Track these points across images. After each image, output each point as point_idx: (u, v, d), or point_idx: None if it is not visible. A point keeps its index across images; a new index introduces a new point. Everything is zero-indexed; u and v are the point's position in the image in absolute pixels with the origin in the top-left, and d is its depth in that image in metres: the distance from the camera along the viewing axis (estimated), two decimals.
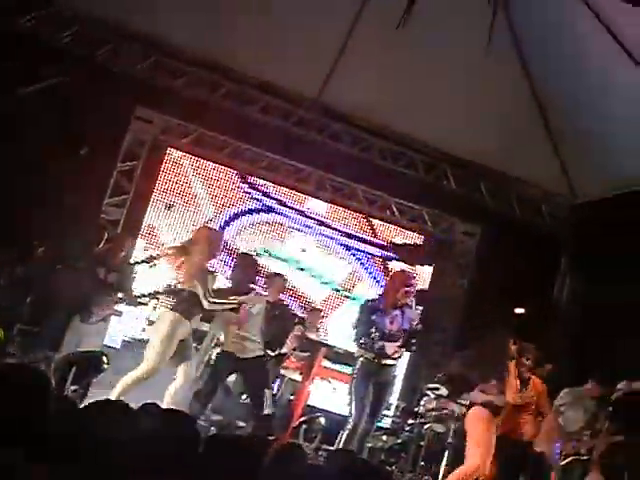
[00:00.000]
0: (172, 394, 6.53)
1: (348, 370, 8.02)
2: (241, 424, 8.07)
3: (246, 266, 7.34)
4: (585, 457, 7.68)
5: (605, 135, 9.52)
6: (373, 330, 6.66)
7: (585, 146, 10.07)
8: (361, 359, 6.70)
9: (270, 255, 10.75)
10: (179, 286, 6.85)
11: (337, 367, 8.83)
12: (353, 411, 6.59)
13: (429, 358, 10.52)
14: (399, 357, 6.85)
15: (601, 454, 7.57)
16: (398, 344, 6.66)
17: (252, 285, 7.28)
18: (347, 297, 10.97)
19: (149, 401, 3.68)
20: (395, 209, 11.36)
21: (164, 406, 5.62)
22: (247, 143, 10.76)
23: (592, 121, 9.53)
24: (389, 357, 6.70)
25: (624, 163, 9.61)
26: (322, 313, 9.79)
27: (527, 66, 9.94)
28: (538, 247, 10.92)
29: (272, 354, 7.94)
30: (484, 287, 10.83)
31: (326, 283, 10.99)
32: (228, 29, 9.34)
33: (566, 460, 7.69)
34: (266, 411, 6.96)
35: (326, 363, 9.11)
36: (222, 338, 7.57)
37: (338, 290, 10.99)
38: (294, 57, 9.68)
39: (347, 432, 6.59)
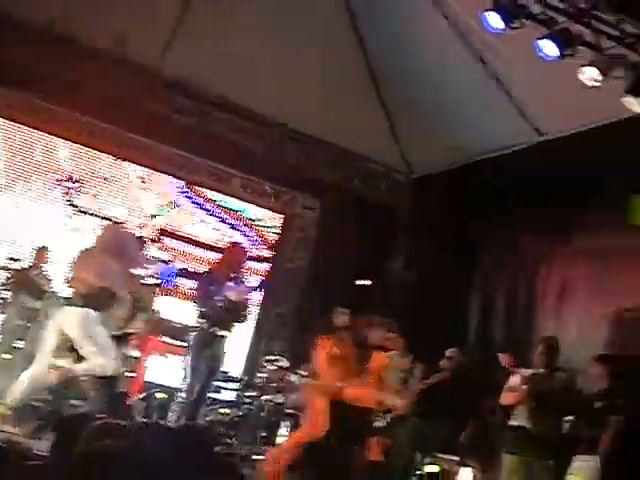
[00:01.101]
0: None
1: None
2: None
3: None
4: (402, 413, 8.02)
5: (441, 113, 9.86)
6: (210, 300, 6.66)
7: (422, 123, 10.38)
8: (196, 330, 6.68)
9: None
10: None
11: (175, 342, 8.72)
12: (185, 383, 6.58)
13: (270, 331, 10.60)
14: (231, 328, 6.87)
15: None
16: (232, 315, 6.70)
17: None
18: None
19: None
20: (239, 182, 11.32)
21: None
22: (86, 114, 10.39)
23: (429, 100, 9.85)
24: (224, 328, 6.71)
25: (458, 139, 10.00)
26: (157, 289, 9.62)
27: (364, 44, 10.17)
28: (377, 221, 11.20)
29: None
30: (325, 260, 10.99)
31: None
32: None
33: (384, 420, 7.98)
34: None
35: (164, 338, 8.99)
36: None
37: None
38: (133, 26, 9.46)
39: (179, 405, 6.57)
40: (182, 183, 11.16)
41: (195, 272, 7.33)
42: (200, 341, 6.69)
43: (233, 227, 11.35)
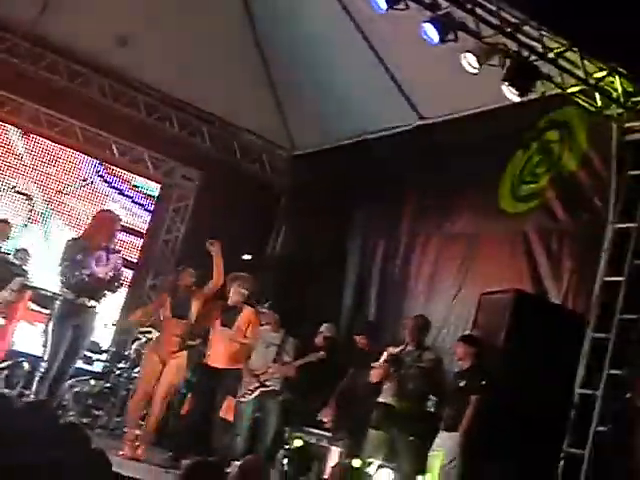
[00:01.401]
0: None
1: None
2: None
3: None
4: (271, 387, 8.06)
5: (327, 93, 9.89)
6: (78, 269, 6.45)
7: (308, 101, 10.39)
8: (61, 299, 6.47)
9: None
10: None
11: (44, 310, 8.43)
12: (47, 353, 6.38)
13: (144, 302, 10.41)
14: (100, 299, 6.69)
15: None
16: (102, 285, 6.53)
17: None
18: None
19: None
20: (115, 149, 11.04)
21: None
22: None
23: (316, 79, 9.86)
24: (92, 298, 6.52)
25: (342, 119, 10.06)
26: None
27: (253, 19, 10.08)
28: (258, 196, 11.16)
29: None
30: (201, 233, 10.85)
31: None
32: None
33: (254, 394, 8.01)
34: None
35: (32, 306, 8.69)
36: None
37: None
38: None
39: (40, 375, 6.37)
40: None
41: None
42: (64, 311, 6.46)
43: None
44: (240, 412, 8.01)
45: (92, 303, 6.59)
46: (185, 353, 7.22)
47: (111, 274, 6.63)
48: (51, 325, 6.50)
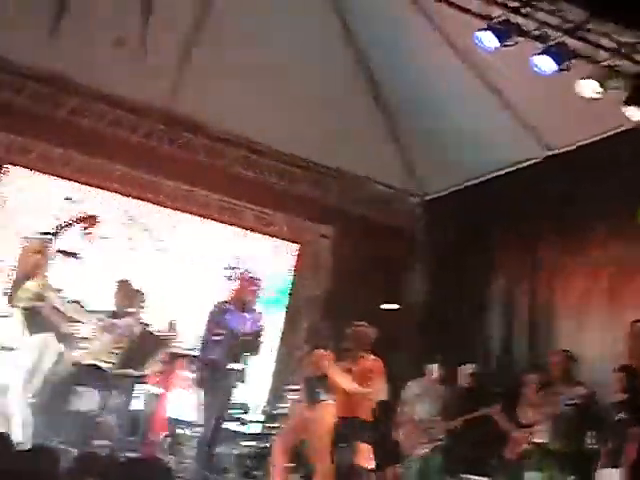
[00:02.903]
0: None
1: None
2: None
3: None
4: (442, 442, 8.02)
5: (444, 132, 9.90)
6: (223, 331, 6.69)
7: (428, 144, 10.43)
8: (207, 363, 6.69)
9: None
10: None
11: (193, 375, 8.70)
12: (201, 418, 6.60)
13: (291, 361, 10.61)
14: (243, 360, 6.87)
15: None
16: (243, 347, 6.74)
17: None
18: None
19: None
20: (251, 216, 11.42)
21: None
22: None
23: (431, 119, 9.90)
24: (234, 360, 6.72)
25: (464, 158, 10.04)
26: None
27: (371, 71, 10.24)
28: (391, 244, 11.22)
29: (136, 374, 7.84)
30: (342, 287, 11.04)
31: None
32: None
33: (425, 449, 8.00)
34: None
35: (185, 373, 9.01)
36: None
37: None
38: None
39: (197, 440, 6.58)
40: None
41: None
42: (212, 374, 6.68)
43: None
44: (408, 465, 8.09)
45: (235, 366, 6.77)
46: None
47: (254, 329, 6.81)
48: (201, 389, 6.70)
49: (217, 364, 6.69)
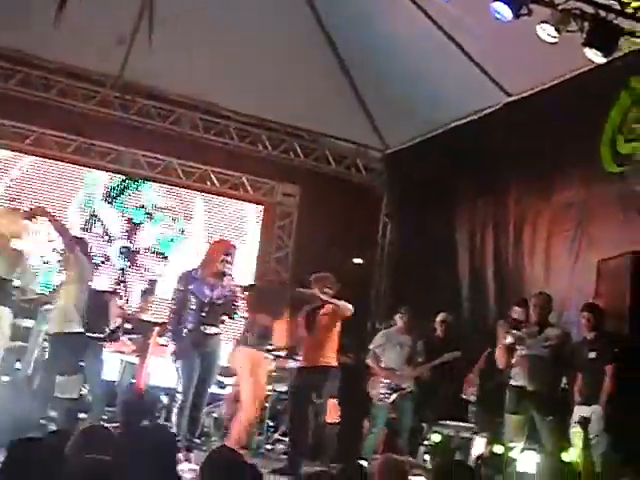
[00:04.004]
0: None
1: None
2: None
3: None
4: (409, 389, 8.14)
5: (407, 87, 9.85)
6: (191, 299, 6.64)
7: (387, 96, 10.37)
8: (185, 330, 6.65)
9: None
10: None
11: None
12: (181, 384, 6.57)
13: None
14: (221, 323, 6.84)
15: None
16: (220, 311, 6.71)
17: None
18: None
19: None
20: (215, 179, 11.36)
21: None
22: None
23: (393, 76, 9.85)
24: (212, 325, 6.69)
25: (425, 110, 10.02)
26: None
27: (326, 28, 10.14)
28: (357, 199, 11.25)
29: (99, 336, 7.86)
30: (309, 245, 11.07)
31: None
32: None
33: (393, 396, 8.12)
34: None
35: (162, 340, 8.99)
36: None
37: None
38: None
39: (178, 406, 6.57)
40: None
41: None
42: (188, 340, 6.63)
43: None
44: (375, 414, 8.19)
45: (213, 330, 6.75)
46: None
47: (226, 294, 6.76)
48: (180, 355, 6.67)
49: (191, 330, 6.63)
